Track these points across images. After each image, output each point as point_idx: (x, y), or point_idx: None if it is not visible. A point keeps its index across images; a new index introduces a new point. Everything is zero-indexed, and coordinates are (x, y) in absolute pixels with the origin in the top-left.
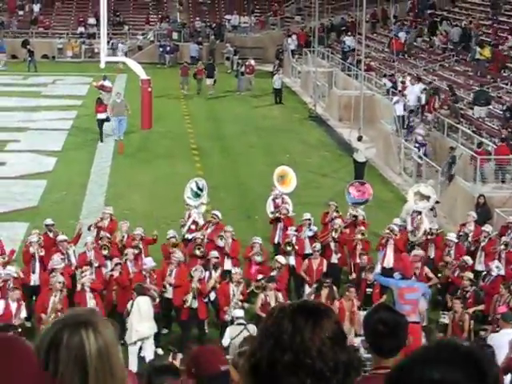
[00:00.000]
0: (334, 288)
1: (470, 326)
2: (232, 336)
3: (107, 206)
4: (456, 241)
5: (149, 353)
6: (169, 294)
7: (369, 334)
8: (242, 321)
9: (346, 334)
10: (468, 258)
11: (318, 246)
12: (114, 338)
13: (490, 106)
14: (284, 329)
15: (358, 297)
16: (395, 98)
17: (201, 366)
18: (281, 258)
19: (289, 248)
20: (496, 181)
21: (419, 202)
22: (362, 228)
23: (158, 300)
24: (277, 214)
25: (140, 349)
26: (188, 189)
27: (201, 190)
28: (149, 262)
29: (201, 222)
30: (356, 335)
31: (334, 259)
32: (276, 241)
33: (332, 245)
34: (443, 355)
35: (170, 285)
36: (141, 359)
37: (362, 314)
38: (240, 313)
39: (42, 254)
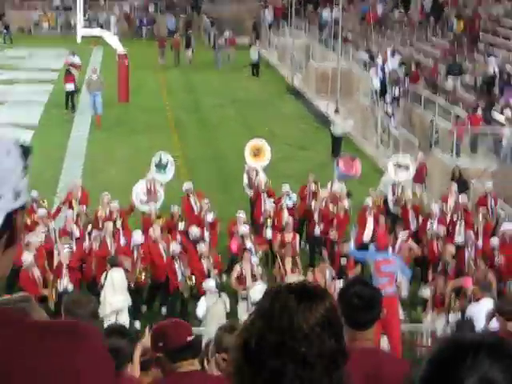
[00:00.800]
0: (297, 259)
1: (451, 300)
2: (208, 306)
3: (76, 179)
4: (438, 212)
5: None
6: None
7: (344, 308)
8: (214, 290)
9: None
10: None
11: (290, 219)
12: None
13: (467, 78)
14: (275, 309)
15: (333, 267)
16: (372, 71)
17: (167, 338)
18: (242, 228)
19: (269, 220)
20: (472, 152)
21: (399, 172)
22: (345, 204)
23: (143, 276)
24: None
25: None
26: (153, 164)
27: (164, 165)
28: (137, 238)
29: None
30: None
31: (317, 231)
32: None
33: (315, 217)
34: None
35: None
36: None
37: (339, 282)
38: (211, 283)
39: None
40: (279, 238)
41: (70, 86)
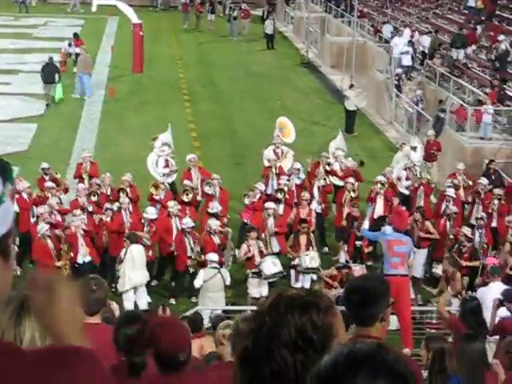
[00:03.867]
0: (312, 235)
1: (461, 284)
2: (205, 279)
3: (84, 150)
4: (454, 196)
5: (142, 301)
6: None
7: (345, 304)
8: (215, 265)
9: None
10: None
11: (306, 195)
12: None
13: (469, 50)
14: (262, 324)
15: (348, 250)
16: (404, 48)
17: (159, 351)
18: (270, 204)
19: (280, 195)
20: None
21: (412, 154)
22: (351, 180)
23: (150, 252)
24: (274, 164)
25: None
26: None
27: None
28: (151, 214)
29: (173, 162)
30: None
31: (318, 209)
32: (269, 192)
33: (316, 194)
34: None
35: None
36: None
37: (357, 267)
38: (214, 257)
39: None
40: (295, 212)
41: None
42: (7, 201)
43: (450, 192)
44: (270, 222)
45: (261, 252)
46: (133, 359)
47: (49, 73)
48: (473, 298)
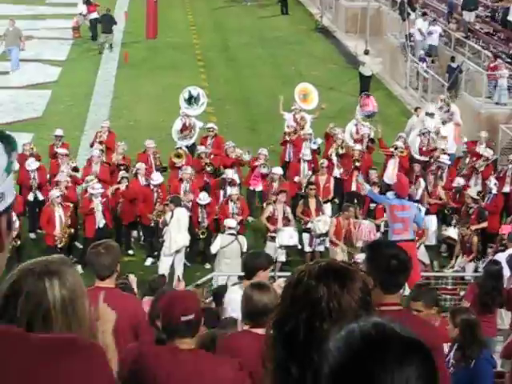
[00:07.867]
0: (319, 198)
1: (478, 247)
2: (222, 245)
3: (105, 121)
4: (449, 163)
5: (180, 265)
6: None
7: (379, 269)
8: (233, 231)
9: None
10: (459, 179)
11: (325, 162)
12: (81, 288)
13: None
14: (319, 296)
15: (362, 211)
16: (430, 28)
17: (162, 317)
18: (278, 169)
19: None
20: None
21: (429, 121)
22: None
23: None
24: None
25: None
26: (181, 98)
27: (195, 98)
28: (157, 178)
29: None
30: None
31: (337, 173)
32: (287, 159)
33: (334, 159)
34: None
35: (190, 201)
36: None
37: (366, 222)
38: (232, 223)
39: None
40: (313, 179)
41: (93, 15)
42: (13, 171)
43: (444, 159)
44: (275, 187)
45: (285, 218)
46: None
47: (107, 23)
48: (496, 263)
